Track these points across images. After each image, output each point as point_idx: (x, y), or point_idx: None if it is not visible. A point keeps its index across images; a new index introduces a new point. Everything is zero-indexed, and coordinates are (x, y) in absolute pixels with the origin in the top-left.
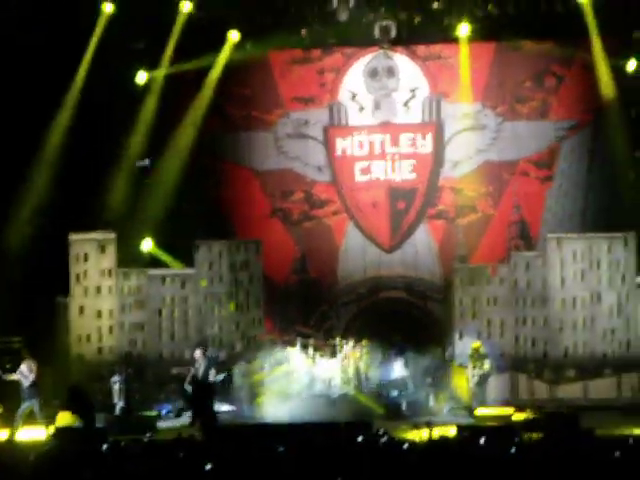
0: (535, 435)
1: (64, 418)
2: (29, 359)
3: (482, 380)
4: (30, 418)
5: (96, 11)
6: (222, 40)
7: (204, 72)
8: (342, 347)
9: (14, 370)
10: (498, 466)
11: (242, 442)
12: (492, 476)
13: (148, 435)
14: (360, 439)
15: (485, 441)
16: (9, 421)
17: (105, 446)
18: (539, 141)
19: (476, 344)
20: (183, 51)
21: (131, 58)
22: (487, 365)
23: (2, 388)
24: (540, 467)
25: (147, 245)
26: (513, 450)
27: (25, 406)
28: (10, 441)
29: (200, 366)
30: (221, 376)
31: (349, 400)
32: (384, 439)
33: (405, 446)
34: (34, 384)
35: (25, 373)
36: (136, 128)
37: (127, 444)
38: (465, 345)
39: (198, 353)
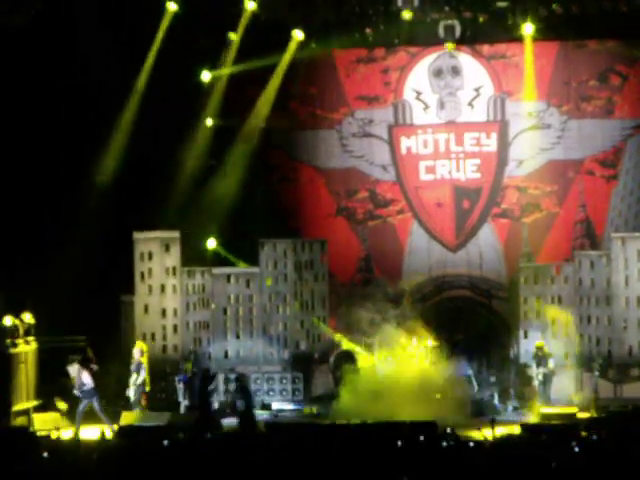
0: (599, 434)
1: (128, 417)
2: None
3: (546, 379)
4: (91, 416)
5: (161, 10)
6: (287, 39)
7: (269, 71)
8: (407, 346)
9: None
10: (562, 464)
11: (306, 440)
12: (556, 474)
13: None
14: (425, 438)
15: (549, 439)
16: (73, 419)
17: (165, 442)
18: (604, 140)
19: (539, 343)
20: (247, 50)
21: (196, 57)
22: (551, 364)
23: (66, 387)
24: (603, 465)
25: (211, 244)
26: (577, 449)
27: (84, 404)
28: (75, 439)
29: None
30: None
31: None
32: (449, 439)
33: (470, 445)
34: (90, 383)
35: (85, 379)
36: (200, 127)
37: (189, 440)
38: (530, 344)
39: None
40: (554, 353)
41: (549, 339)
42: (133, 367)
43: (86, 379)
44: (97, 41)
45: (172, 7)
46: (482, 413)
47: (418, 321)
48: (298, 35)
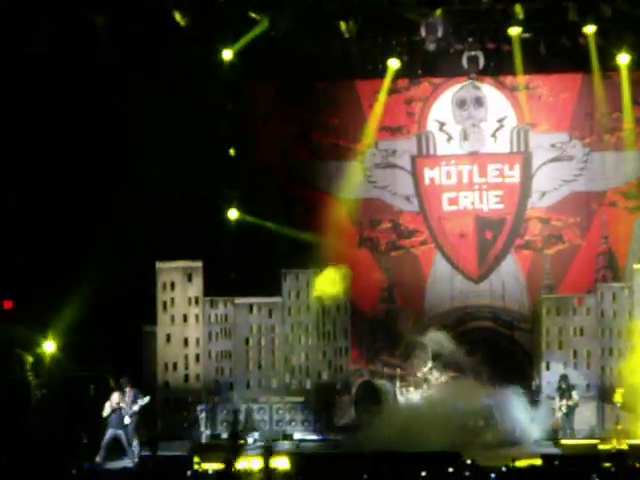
0: (620, 465)
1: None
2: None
3: (570, 411)
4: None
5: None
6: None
7: None
8: (428, 378)
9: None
10: None
11: (331, 471)
12: None
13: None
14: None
15: (570, 471)
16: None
17: (189, 473)
18: (627, 171)
19: (563, 374)
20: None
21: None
22: (575, 396)
23: (87, 417)
24: None
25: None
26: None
27: (110, 433)
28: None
29: None
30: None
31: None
32: (471, 469)
33: (492, 476)
34: (119, 411)
35: (115, 402)
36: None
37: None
38: (551, 376)
39: None
40: (577, 384)
41: (571, 370)
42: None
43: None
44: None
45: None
46: (505, 444)
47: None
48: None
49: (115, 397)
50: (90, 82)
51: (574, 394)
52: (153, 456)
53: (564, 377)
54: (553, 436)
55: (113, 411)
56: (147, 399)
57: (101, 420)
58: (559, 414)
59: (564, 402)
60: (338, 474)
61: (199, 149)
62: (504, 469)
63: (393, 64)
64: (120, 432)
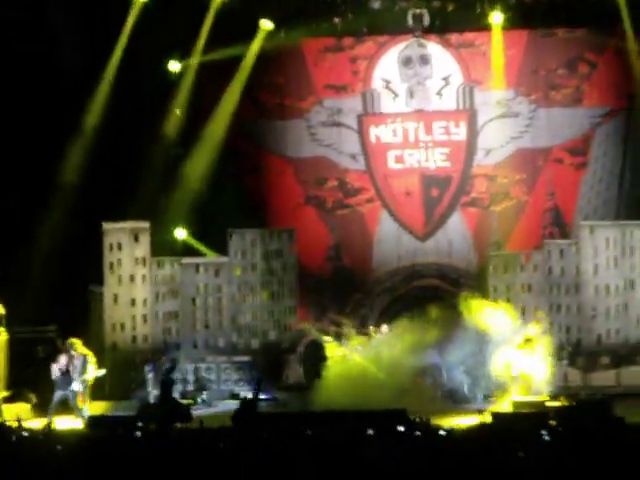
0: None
1: (98, 406)
2: (71, 350)
3: None
4: (64, 407)
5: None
6: (255, 28)
7: (237, 60)
8: (376, 335)
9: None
10: (531, 452)
11: (276, 430)
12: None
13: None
14: (396, 426)
15: (518, 427)
16: (43, 411)
17: (138, 433)
18: (573, 128)
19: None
20: (216, 39)
21: (164, 46)
22: None
23: (35, 378)
24: (570, 454)
25: (180, 234)
26: (546, 437)
27: (58, 395)
28: (46, 430)
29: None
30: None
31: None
32: (420, 427)
33: (442, 433)
34: (67, 373)
35: (62, 364)
36: (169, 117)
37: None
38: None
39: None
40: None
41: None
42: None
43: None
44: (66, 29)
45: None
46: (452, 402)
47: (387, 310)
48: (266, 24)
49: (62, 359)
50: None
51: None
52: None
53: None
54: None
55: (61, 374)
56: (103, 372)
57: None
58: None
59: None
60: (285, 433)
61: (142, 108)
62: (452, 427)
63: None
64: (68, 393)
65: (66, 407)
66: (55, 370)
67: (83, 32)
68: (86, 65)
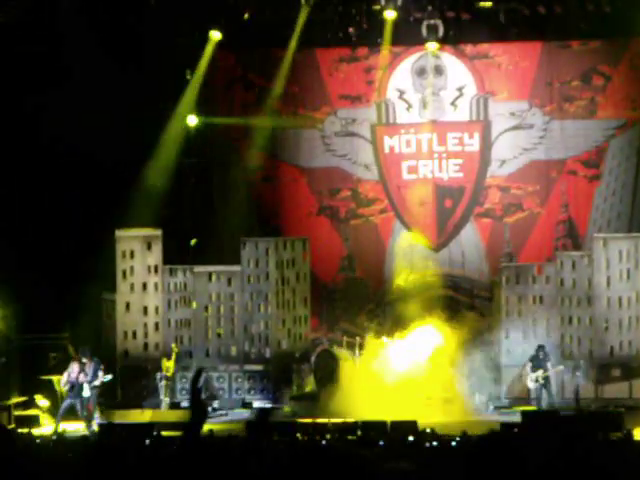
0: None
1: (110, 414)
2: (79, 358)
3: (547, 381)
4: (71, 415)
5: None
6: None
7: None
8: (388, 346)
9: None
10: (542, 461)
11: (285, 438)
12: (534, 472)
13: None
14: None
15: (529, 439)
16: (55, 418)
17: (148, 441)
18: (587, 140)
19: (540, 345)
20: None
21: (177, 54)
22: (551, 367)
23: (47, 384)
24: (581, 466)
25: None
26: (557, 448)
27: (67, 403)
28: (55, 437)
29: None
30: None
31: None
32: (430, 438)
33: (453, 444)
34: (77, 382)
35: (74, 373)
36: (183, 125)
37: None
38: (511, 344)
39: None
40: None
41: (530, 339)
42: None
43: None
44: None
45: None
46: (464, 412)
47: (401, 321)
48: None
49: (74, 368)
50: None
51: (549, 365)
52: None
53: (541, 347)
54: (517, 404)
55: (72, 382)
56: (109, 377)
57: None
58: (536, 384)
59: (540, 372)
60: (296, 443)
61: (159, 118)
62: (463, 437)
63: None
64: (76, 402)
65: (74, 415)
66: (65, 379)
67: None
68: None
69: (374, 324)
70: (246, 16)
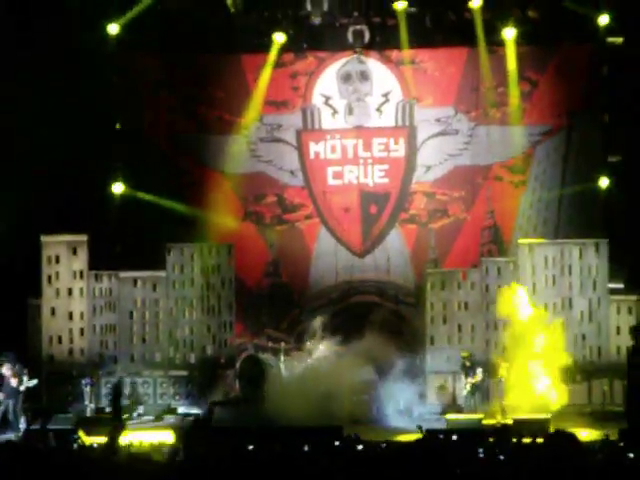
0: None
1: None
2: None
3: (474, 389)
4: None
5: None
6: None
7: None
8: (313, 351)
9: None
10: (467, 470)
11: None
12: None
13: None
14: (331, 443)
15: (454, 444)
16: None
17: (75, 446)
18: (513, 146)
19: (466, 353)
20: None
21: None
22: (479, 374)
23: None
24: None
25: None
26: (482, 455)
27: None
28: None
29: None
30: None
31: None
32: (355, 443)
33: (378, 450)
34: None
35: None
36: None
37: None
38: (435, 350)
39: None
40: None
41: (456, 346)
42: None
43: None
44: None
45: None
46: (387, 419)
47: (324, 326)
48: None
49: (5, 370)
50: None
51: (478, 371)
52: (41, 429)
53: (466, 355)
54: (443, 411)
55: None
56: (34, 382)
57: None
58: (464, 392)
59: (469, 380)
60: (221, 449)
61: (85, 122)
62: (388, 444)
63: (278, 38)
64: (9, 403)
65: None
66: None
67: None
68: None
69: (299, 329)
70: None
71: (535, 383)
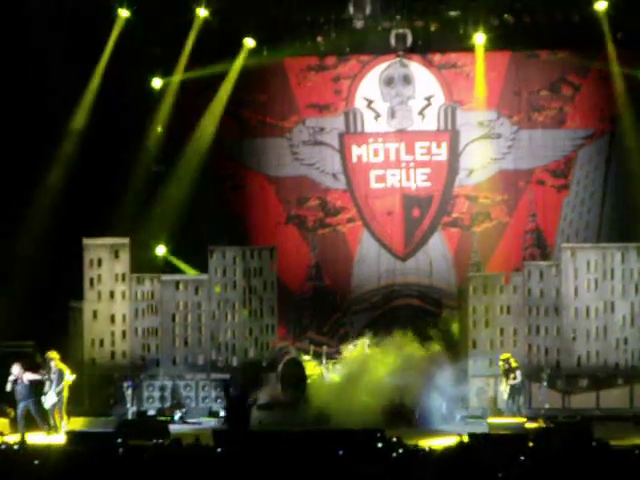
0: (546, 444)
1: (77, 422)
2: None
3: (513, 392)
4: (28, 419)
5: (113, 16)
6: (238, 46)
7: (220, 78)
8: (355, 355)
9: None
10: (508, 474)
11: (256, 449)
12: None
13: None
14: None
15: (496, 449)
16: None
17: (121, 450)
18: (555, 150)
19: (505, 355)
20: (199, 57)
21: (147, 64)
22: (519, 376)
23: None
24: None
25: (161, 250)
26: (523, 459)
27: (21, 407)
28: (20, 445)
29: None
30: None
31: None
32: (397, 447)
33: (420, 454)
34: (27, 384)
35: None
36: (151, 134)
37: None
38: (477, 354)
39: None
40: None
41: (497, 350)
42: (54, 376)
43: (26, 380)
44: (49, 45)
45: (124, 13)
46: (429, 422)
47: (367, 330)
48: (249, 43)
49: (15, 370)
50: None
51: (518, 374)
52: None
53: (505, 358)
54: (485, 414)
55: (15, 385)
56: (72, 377)
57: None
58: (503, 395)
59: (510, 382)
60: (263, 452)
61: (128, 124)
62: (430, 447)
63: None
64: (29, 403)
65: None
66: (8, 383)
67: (67, 49)
68: (69, 83)
69: (340, 333)
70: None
71: None
